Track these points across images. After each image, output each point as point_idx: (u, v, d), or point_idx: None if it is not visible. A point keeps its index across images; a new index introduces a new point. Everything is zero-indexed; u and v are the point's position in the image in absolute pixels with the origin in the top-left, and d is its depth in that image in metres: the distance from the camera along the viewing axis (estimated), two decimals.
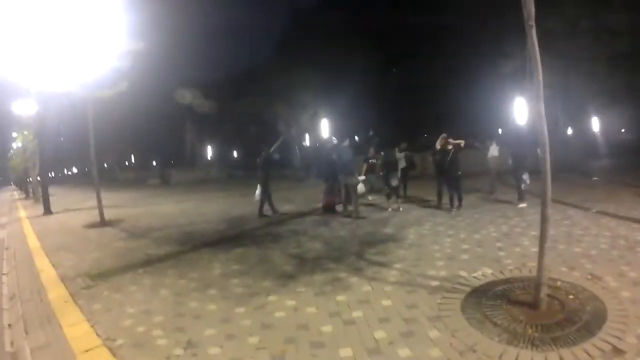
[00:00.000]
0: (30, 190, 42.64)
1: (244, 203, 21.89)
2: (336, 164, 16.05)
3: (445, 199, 16.29)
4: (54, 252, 13.38)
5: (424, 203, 17.86)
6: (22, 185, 55.81)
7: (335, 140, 17.78)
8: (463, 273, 8.37)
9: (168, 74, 55.38)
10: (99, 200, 18.66)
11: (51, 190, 28.97)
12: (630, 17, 28.71)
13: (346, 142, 16.61)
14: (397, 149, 18.36)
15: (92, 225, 18.22)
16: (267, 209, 17.73)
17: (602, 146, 39.85)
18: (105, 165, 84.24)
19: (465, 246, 10.48)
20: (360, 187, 17.11)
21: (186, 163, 66.98)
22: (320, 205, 17.63)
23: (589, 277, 7.83)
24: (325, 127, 32.35)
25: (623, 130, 60.04)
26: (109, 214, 20.09)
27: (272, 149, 18.56)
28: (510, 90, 30.27)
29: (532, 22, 6.29)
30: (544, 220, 6.74)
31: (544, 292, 6.60)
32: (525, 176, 16.40)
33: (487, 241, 10.86)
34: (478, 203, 17.16)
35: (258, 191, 17.66)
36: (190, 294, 8.28)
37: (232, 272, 9.58)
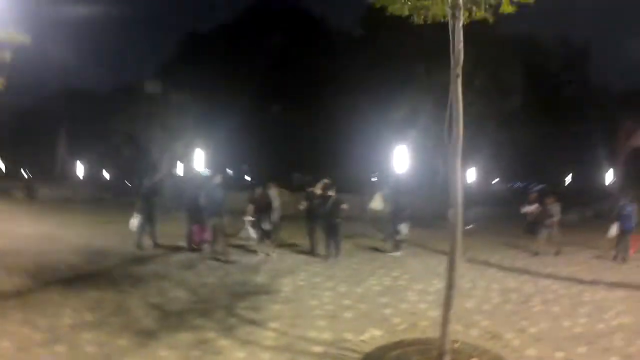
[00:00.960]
0: None
1: (108, 232, 20.64)
2: (205, 202, 14.98)
3: (320, 247, 15.87)
4: None
5: (296, 248, 17.18)
6: None
7: (207, 173, 16.77)
8: (349, 335, 7.69)
9: (48, 77, 52.98)
10: None
11: None
12: (523, 78, 30.70)
13: (217, 179, 15.62)
14: (270, 189, 17.04)
15: None
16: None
17: (477, 195, 40.80)
18: None
19: (347, 301, 9.91)
20: (249, 232, 16.15)
21: (56, 178, 63.72)
22: (185, 242, 16.43)
23: (489, 335, 7.52)
24: (199, 158, 31.08)
25: (494, 182, 62.43)
26: None
27: (158, 177, 17.45)
28: (394, 138, 30.22)
29: (459, 71, 6.06)
30: (450, 286, 6.16)
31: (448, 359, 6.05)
32: (403, 226, 16.18)
33: (371, 296, 10.39)
34: (354, 251, 16.85)
35: (135, 220, 16.21)
36: (33, 350, 7.02)
37: (84, 323, 8.35)
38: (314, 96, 47.08)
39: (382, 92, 37.03)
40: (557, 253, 16.31)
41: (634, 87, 49.83)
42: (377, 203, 19.10)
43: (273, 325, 8.23)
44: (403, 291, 10.76)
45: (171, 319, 8.60)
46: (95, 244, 17.29)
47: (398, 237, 16.29)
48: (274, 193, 16.79)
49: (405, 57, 33.93)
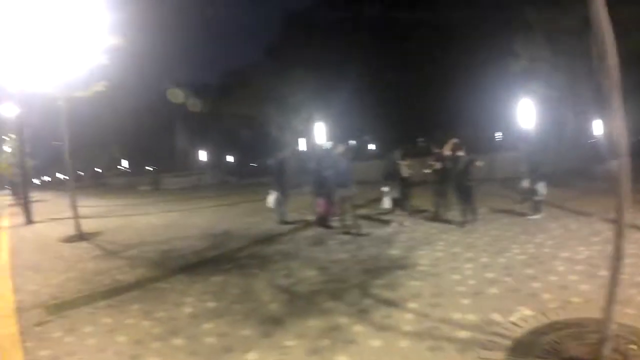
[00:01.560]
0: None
1: (233, 214, 20.64)
2: (329, 174, 14.39)
3: (451, 212, 15.11)
4: (21, 272, 11.89)
5: (428, 215, 16.10)
6: (14, 190, 54.24)
7: (329, 145, 16.13)
8: (497, 317, 6.59)
9: (157, 75, 54.18)
10: (75, 210, 16.98)
11: (43, 195, 27.27)
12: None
13: (341, 148, 14.76)
14: (396, 156, 16.24)
15: (69, 239, 16.47)
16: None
17: (606, 149, 38.62)
18: (97, 169, 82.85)
19: (491, 275, 8.76)
20: (386, 202, 15.76)
21: (178, 168, 65.31)
22: (314, 217, 16.04)
23: None
24: (320, 131, 30.56)
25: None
26: (89, 225, 18.68)
27: (282, 154, 17.26)
28: (516, 92, 28.69)
29: None
30: (617, 256, 4.88)
31: (609, 347, 4.92)
32: (541, 186, 14.76)
33: (516, 267, 9.17)
34: (490, 215, 15.70)
35: (272, 197, 16.37)
36: (151, 344, 6.53)
37: (205, 311, 7.78)
38: (426, 58, 46.68)
39: (496, 44, 35.31)
40: None
41: None
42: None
43: (411, 305, 7.30)
44: (549, 260, 9.52)
45: (299, 303, 7.85)
46: (221, 227, 17.00)
47: (537, 198, 14.92)
48: (402, 160, 15.98)
49: (516, 4, 32.15)
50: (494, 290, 7.88)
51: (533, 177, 14.91)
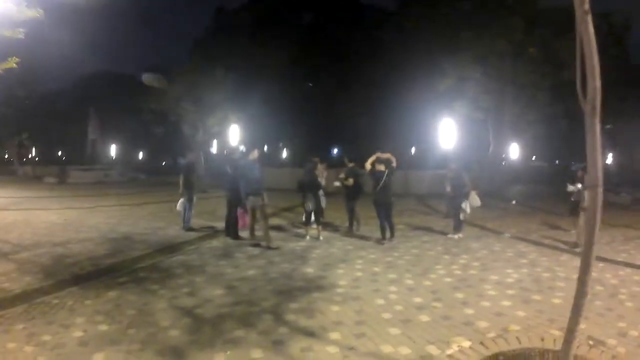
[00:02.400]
0: None
1: (137, 216, 19.34)
2: (240, 181, 13.19)
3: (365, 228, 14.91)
4: None
5: (343, 230, 15.66)
6: None
7: (242, 149, 15.06)
8: (433, 350, 5.97)
9: (75, 61, 52.46)
10: None
11: None
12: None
13: (255, 153, 13.53)
14: (314, 165, 14.87)
15: None
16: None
17: (520, 172, 41.28)
18: (6, 157, 79.42)
19: (419, 299, 8.15)
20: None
21: (88, 161, 63.09)
22: (223, 225, 14.89)
23: (590, 342, 6.03)
24: (234, 133, 29.32)
25: (534, 158, 62.13)
26: None
27: (192, 155, 16.09)
28: (439, 111, 28.71)
29: (588, 6, 3.77)
30: (582, 293, 4.15)
31: None
32: (465, 205, 14.56)
33: (444, 291, 8.69)
34: (409, 232, 15.45)
35: (181, 200, 15.33)
36: None
37: (97, 336, 6.60)
38: (348, 70, 46.68)
39: (423, 63, 35.55)
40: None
41: None
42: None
43: (334, 336, 6.46)
44: (478, 284, 9.08)
45: (204, 330, 6.80)
46: (122, 230, 15.73)
47: (460, 217, 14.63)
48: (319, 170, 14.88)
49: (449, 24, 32.36)
50: (424, 317, 7.26)
51: (458, 195, 14.76)
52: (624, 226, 16.68)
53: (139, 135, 63.32)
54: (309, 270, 10.28)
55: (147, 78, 43.03)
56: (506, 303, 7.81)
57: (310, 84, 50.69)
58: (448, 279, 9.48)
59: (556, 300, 7.95)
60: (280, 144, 60.73)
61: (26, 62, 15.93)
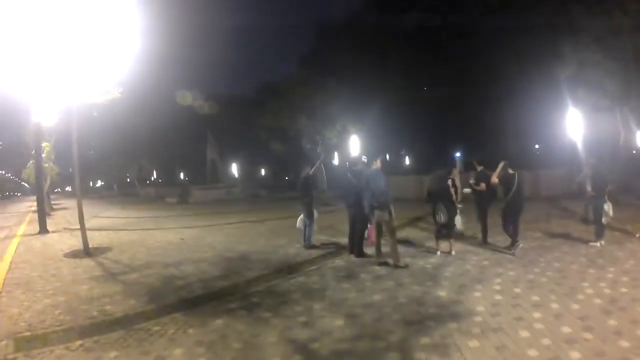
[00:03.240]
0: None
1: (256, 233, 18.45)
2: (364, 193, 11.98)
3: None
4: (11, 289, 10.71)
5: (476, 241, 14.26)
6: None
7: (364, 159, 14.03)
8: None
9: (189, 86, 53.61)
10: (82, 224, 15.58)
11: (69, 203, 26.24)
12: None
13: (377, 163, 12.37)
14: (445, 172, 13.67)
15: (73, 254, 15.12)
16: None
17: None
18: (128, 179, 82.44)
19: (567, 329, 6.94)
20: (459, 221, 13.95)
21: (208, 180, 64.22)
22: (346, 241, 13.73)
23: None
24: (355, 144, 28.54)
25: None
26: (100, 239, 18.27)
27: (313, 169, 15.18)
28: (562, 102, 26.92)
29: None
30: None
31: None
32: (607, 207, 12.94)
33: (594, 316, 7.50)
34: (547, 242, 13.91)
35: (301, 217, 14.43)
36: None
37: None
38: (465, 69, 45.11)
39: (541, 49, 33.26)
40: None
41: None
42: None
43: None
44: (631, 305, 7.84)
45: None
46: (240, 249, 14.97)
47: (602, 222, 13.10)
48: (452, 177, 13.53)
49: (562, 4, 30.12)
50: (575, 354, 6.12)
51: (599, 196, 13.21)
52: None
53: (258, 153, 63.76)
54: (442, 293, 9.09)
55: (181, 96, 43.48)
56: None
57: (428, 87, 49.74)
58: (597, 300, 8.22)
59: None
60: (402, 151, 59.67)
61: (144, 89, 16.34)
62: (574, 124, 21.67)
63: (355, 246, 12.96)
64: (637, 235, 13.59)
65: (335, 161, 41.95)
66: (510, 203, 12.55)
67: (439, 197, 12.77)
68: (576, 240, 13.81)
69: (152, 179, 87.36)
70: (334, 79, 39.20)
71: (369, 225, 13.07)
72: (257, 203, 40.20)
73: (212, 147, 65.52)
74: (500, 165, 12.93)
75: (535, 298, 8.53)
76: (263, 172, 76.52)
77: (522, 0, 36.15)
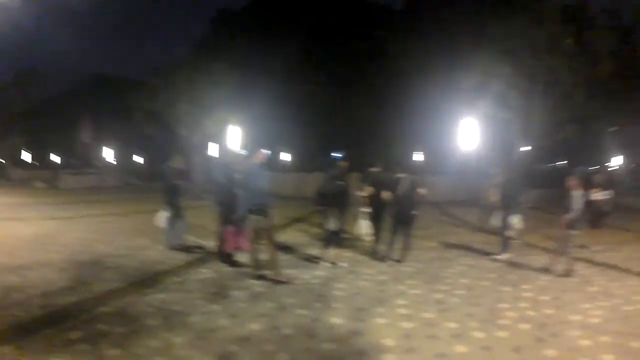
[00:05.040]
0: None
1: (118, 229, 16.37)
2: (241, 192, 9.95)
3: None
4: None
5: (366, 250, 12.83)
6: None
7: (244, 153, 11.92)
8: None
9: (67, 60, 51.34)
10: None
11: None
12: (613, 39, 27.81)
13: (259, 156, 10.03)
14: (340, 172, 11.77)
15: None
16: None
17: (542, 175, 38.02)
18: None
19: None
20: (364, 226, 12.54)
21: (83, 165, 61.00)
22: (216, 246, 11.62)
23: None
24: (234, 136, 26.52)
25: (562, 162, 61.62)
26: None
27: (180, 160, 13.11)
28: (461, 111, 27.16)
29: None
30: None
31: None
32: (516, 219, 12.23)
33: (526, 346, 6.65)
34: (448, 254, 13.11)
35: (163, 215, 12.27)
36: None
37: None
38: (355, 71, 45.56)
39: (445, 59, 33.96)
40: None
41: None
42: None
43: None
44: (562, 329, 7.22)
45: None
46: (98, 250, 12.64)
47: (508, 234, 12.33)
48: (348, 178, 11.74)
49: (475, 14, 30.96)
50: None
51: (508, 207, 12.49)
52: None
53: (135, 139, 60.93)
54: (337, 320, 7.41)
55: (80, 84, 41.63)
56: (607, 358, 6.27)
57: (314, 85, 48.16)
58: (524, 326, 7.32)
59: None
60: (281, 148, 58.45)
61: (22, 64, 13.98)
62: (468, 132, 21.11)
63: (227, 254, 10.96)
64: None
65: (213, 152, 39.77)
66: (397, 209, 11.59)
67: (332, 200, 10.99)
68: (478, 252, 13.10)
69: (26, 160, 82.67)
70: (223, 64, 37.55)
71: (230, 228, 10.65)
72: (129, 192, 38.06)
73: (87, 130, 62.54)
74: (374, 170, 12.38)
75: (453, 325, 7.28)
76: (140, 159, 73.39)
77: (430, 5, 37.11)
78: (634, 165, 52.17)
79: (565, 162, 57.96)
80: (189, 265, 10.96)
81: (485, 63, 28.36)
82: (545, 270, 10.91)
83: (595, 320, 7.69)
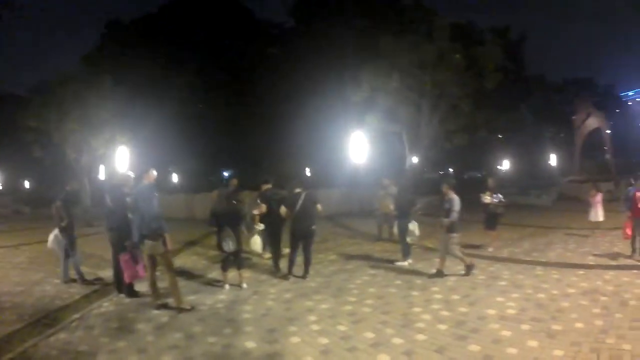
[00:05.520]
0: None
1: (9, 263, 15.15)
2: (133, 216, 9.36)
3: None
4: None
5: (266, 268, 12.72)
6: None
7: (131, 175, 11.24)
8: None
9: None
10: None
11: None
12: (498, 54, 29.13)
13: (150, 175, 9.66)
14: (234, 190, 12.22)
15: None
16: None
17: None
18: None
19: None
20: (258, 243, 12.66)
21: None
22: (111, 276, 10.97)
23: None
24: (122, 157, 25.55)
25: (451, 170, 64.79)
26: None
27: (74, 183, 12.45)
28: (350, 125, 27.40)
29: None
30: None
31: None
32: (412, 226, 12.59)
33: (450, 345, 6.75)
34: (349, 265, 13.10)
35: (54, 235, 11.46)
36: None
37: None
38: (248, 88, 45.27)
39: (334, 74, 34.17)
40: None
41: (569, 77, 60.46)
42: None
43: None
44: (481, 324, 7.47)
45: None
46: None
47: (409, 240, 12.66)
48: (240, 196, 11.86)
49: (365, 30, 31.52)
50: None
51: (403, 216, 12.85)
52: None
53: (22, 161, 57.85)
54: (250, 343, 7.19)
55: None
56: (533, 344, 6.57)
57: (205, 104, 47.83)
58: (442, 326, 7.44)
59: (579, 325, 7.27)
60: (169, 169, 56.94)
61: None
62: (358, 146, 21.51)
63: (122, 283, 10.26)
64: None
65: (102, 174, 38.22)
66: (295, 225, 11.44)
67: (227, 220, 10.60)
68: (380, 261, 13.14)
69: None
70: (111, 79, 35.92)
71: (124, 256, 9.64)
72: (17, 221, 34.88)
73: None
74: (266, 187, 12.59)
75: (370, 335, 7.28)
76: (27, 184, 69.95)
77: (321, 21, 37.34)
78: (519, 168, 56.50)
79: (452, 169, 60.26)
80: (87, 299, 10.24)
81: (374, 78, 28.73)
82: (450, 270, 11.09)
83: (512, 312, 7.96)
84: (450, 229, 10.86)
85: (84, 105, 34.44)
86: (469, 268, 10.97)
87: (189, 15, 48.76)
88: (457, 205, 10.83)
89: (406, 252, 12.67)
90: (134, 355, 7.01)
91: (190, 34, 48.52)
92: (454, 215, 10.73)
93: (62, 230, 11.49)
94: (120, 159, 25.03)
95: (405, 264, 12.40)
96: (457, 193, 11.02)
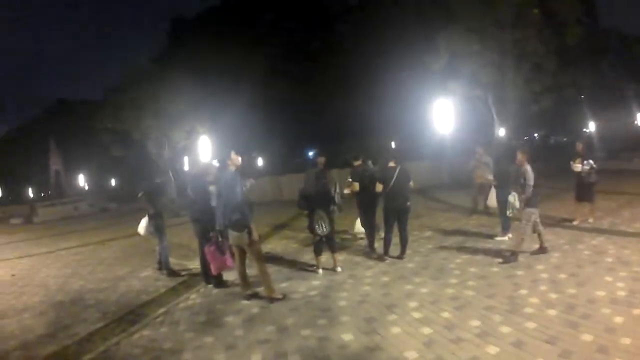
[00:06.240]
0: None
1: (98, 260, 15.26)
2: (217, 204, 8.82)
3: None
4: None
5: (360, 248, 12.35)
6: None
7: (216, 163, 10.89)
8: None
9: (24, 88, 49.73)
10: None
11: None
12: (577, 8, 27.32)
13: (235, 160, 8.92)
14: (321, 170, 10.97)
15: None
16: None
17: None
18: None
19: None
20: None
21: (52, 195, 59.68)
22: (198, 267, 10.70)
23: None
24: (204, 146, 25.56)
25: (536, 135, 61.59)
26: None
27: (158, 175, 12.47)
28: (433, 93, 25.80)
29: None
30: None
31: None
32: (512, 197, 11.22)
33: (566, 335, 5.95)
34: (445, 242, 12.34)
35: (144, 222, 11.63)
36: None
37: None
38: (320, 66, 45.11)
39: (413, 42, 33.08)
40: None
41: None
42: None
43: None
44: (596, 308, 6.66)
45: None
46: (75, 287, 11.69)
47: (509, 213, 11.51)
48: (330, 176, 11.11)
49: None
50: None
51: (503, 187, 11.85)
52: None
53: (107, 161, 59.54)
54: (347, 336, 6.61)
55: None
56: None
57: (281, 87, 47.60)
58: (551, 311, 6.72)
59: None
60: (253, 154, 57.28)
61: None
62: (442, 115, 20.80)
63: (210, 274, 9.91)
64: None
65: (186, 167, 38.65)
66: (390, 201, 10.77)
67: (318, 201, 10.10)
68: (478, 237, 12.40)
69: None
70: (186, 75, 36.42)
71: (209, 247, 9.22)
72: (105, 218, 36.62)
73: (56, 157, 61.33)
74: (357, 164, 11.84)
75: (476, 323, 6.58)
76: (113, 182, 71.92)
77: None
78: (605, 130, 52.36)
79: (536, 135, 58.09)
80: (173, 292, 10.03)
81: (452, 44, 27.90)
82: (554, 246, 10.34)
83: (622, 293, 7.11)
84: (528, 203, 10.06)
85: (159, 101, 34.92)
86: (513, 255, 9.82)
87: (250, 4, 49.10)
88: (531, 178, 10.01)
89: (506, 226, 11.96)
90: (221, 352, 6.62)
91: (254, 18, 48.82)
92: (529, 190, 9.97)
93: (150, 218, 11.53)
94: (202, 149, 25.02)
95: (505, 238, 11.74)
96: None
